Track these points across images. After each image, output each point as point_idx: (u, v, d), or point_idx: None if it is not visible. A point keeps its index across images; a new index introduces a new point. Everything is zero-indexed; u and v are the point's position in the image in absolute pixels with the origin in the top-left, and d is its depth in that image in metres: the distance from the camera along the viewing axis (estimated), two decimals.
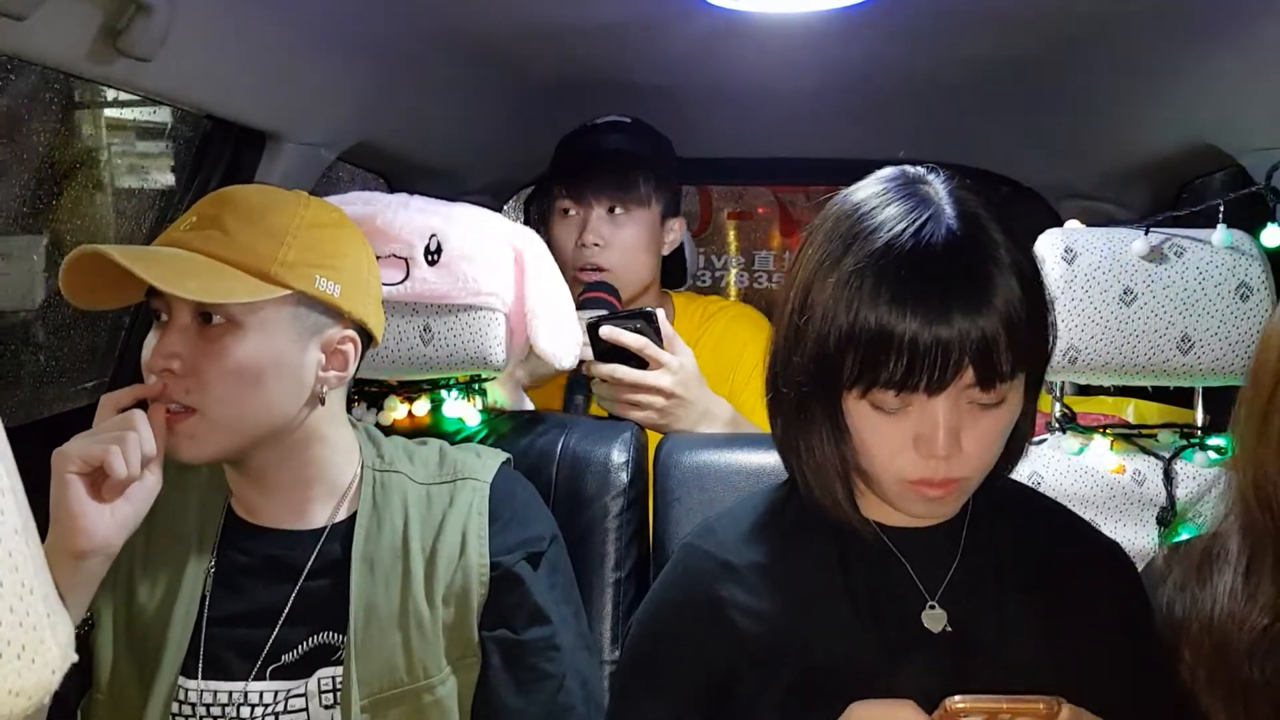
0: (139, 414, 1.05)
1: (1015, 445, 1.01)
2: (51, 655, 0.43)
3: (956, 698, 0.84)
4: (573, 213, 1.86)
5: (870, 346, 0.88)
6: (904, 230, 0.90)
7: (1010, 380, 0.91)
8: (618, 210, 1.84)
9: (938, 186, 0.95)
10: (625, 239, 1.84)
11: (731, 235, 4.37)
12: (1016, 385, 0.93)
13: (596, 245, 1.83)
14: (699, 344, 1.90)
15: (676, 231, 1.96)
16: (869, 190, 0.96)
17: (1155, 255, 1.41)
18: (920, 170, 0.98)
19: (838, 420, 0.96)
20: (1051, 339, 0.97)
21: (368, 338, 1.20)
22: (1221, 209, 1.41)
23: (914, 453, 0.92)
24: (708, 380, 1.70)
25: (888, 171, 0.99)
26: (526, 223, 2.52)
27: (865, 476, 0.99)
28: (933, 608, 1.00)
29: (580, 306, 1.63)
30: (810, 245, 0.97)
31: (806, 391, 0.96)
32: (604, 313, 1.65)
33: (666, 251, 1.95)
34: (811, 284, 0.94)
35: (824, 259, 0.94)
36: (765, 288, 4.24)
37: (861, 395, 0.92)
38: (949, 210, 0.91)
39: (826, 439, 0.97)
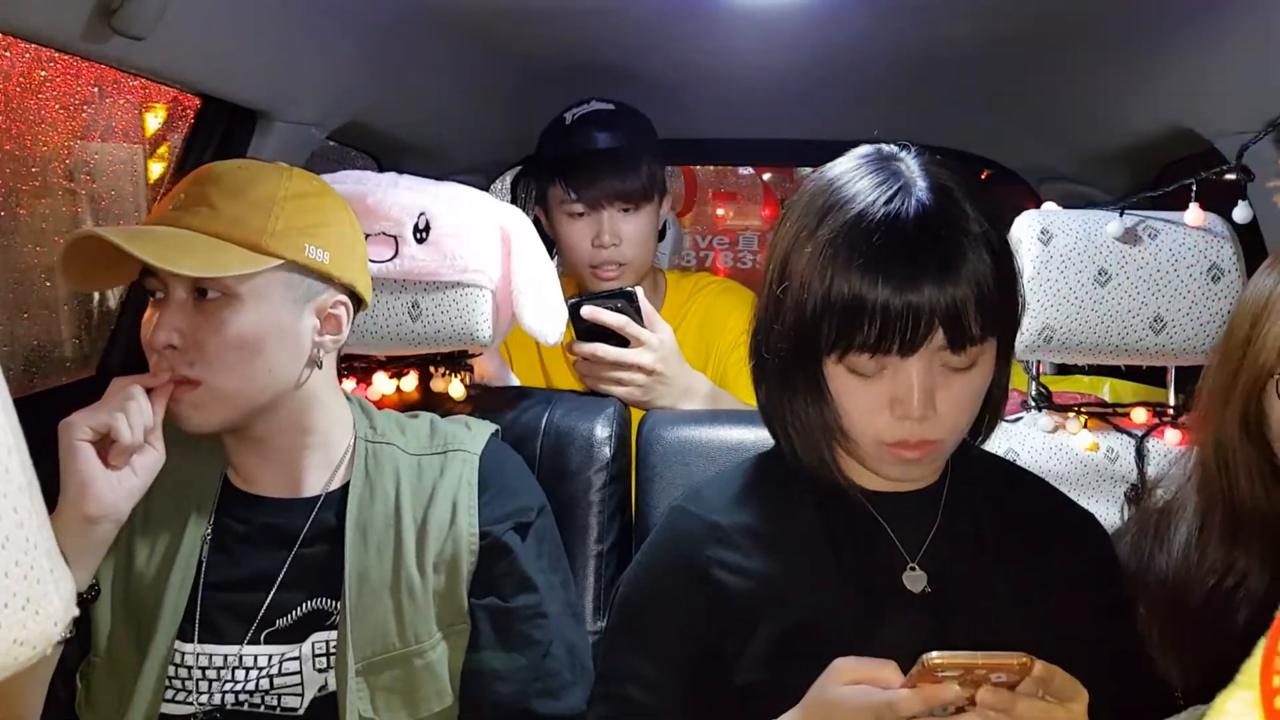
0: (137, 387, 1.09)
1: (989, 414, 1.05)
2: (54, 607, 0.45)
3: (934, 653, 0.86)
4: (586, 215, 1.86)
5: (845, 313, 0.93)
6: (875, 201, 0.94)
7: (980, 344, 0.95)
8: (629, 209, 1.86)
9: (910, 162, 0.99)
10: (636, 233, 1.86)
11: (716, 216, 4.38)
12: (987, 350, 0.97)
13: (615, 245, 1.85)
14: (687, 317, 1.93)
15: (666, 207, 1.98)
16: (843, 166, 1.01)
17: (1130, 237, 1.44)
18: (893, 148, 1.02)
19: (819, 385, 1.00)
20: (1020, 306, 1.02)
21: (358, 301, 1.23)
22: (1194, 189, 1.44)
23: (890, 415, 0.96)
24: (695, 349, 1.72)
25: (863, 149, 1.03)
26: (514, 202, 2.53)
27: (846, 439, 1.02)
28: (913, 569, 1.04)
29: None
30: (788, 219, 1.02)
31: (788, 358, 1.00)
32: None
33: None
34: (789, 255, 0.99)
35: (800, 231, 0.98)
36: (751, 267, 4.25)
37: (839, 360, 0.96)
38: (921, 183, 0.95)
39: (809, 402, 1.01)
